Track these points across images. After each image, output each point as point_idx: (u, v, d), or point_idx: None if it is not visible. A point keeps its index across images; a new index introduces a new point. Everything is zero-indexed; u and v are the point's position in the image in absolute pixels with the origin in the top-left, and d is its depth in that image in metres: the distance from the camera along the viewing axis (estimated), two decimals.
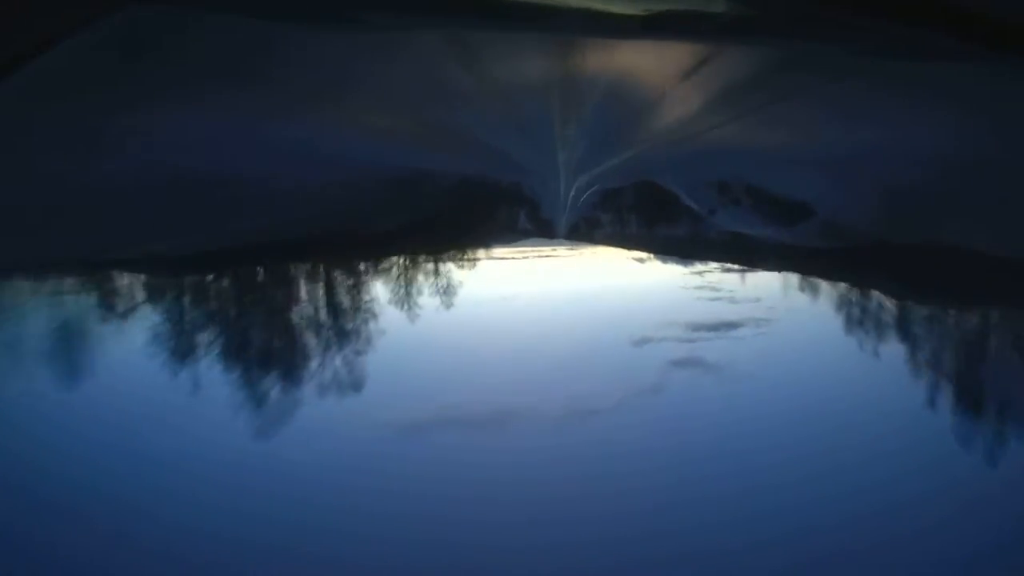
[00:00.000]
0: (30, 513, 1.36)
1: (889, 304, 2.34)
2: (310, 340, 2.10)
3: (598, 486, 1.54)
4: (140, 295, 2.18)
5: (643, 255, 3.13)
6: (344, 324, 2.23)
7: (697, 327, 2.24)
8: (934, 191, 2.62)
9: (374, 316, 2.23)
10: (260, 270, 2.40)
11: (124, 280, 2.19)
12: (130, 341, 1.97)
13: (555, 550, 1.37)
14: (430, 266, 2.65)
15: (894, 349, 2.11)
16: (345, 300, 2.34)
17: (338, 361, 1.96)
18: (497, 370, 2.02)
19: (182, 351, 1.91)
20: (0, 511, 1.34)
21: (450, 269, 2.66)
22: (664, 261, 3.16)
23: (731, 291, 2.56)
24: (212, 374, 1.83)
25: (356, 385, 1.85)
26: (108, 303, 2.12)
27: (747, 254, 2.83)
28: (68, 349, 1.90)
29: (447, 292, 2.46)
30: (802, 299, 2.44)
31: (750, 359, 2.14)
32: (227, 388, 1.80)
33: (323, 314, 2.27)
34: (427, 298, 2.42)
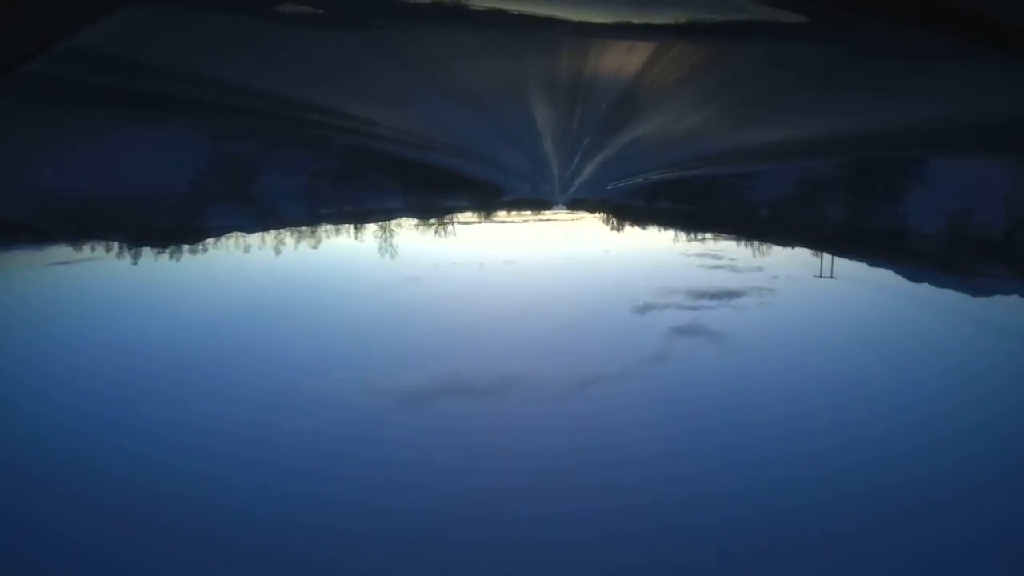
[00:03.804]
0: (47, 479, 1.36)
1: (889, 279, 2.33)
2: (311, 308, 2.09)
3: (602, 455, 1.53)
4: (158, 270, 2.19)
5: (643, 223, 3.11)
6: (344, 290, 2.23)
7: (699, 295, 2.22)
8: (930, 184, 2.61)
9: (374, 283, 2.23)
10: (269, 241, 2.40)
11: (137, 257, 2.20)
12: (137, 314, 1.97)
13: (558, 518, 1.37)
14: (431, 232, 2.64)
15: (894, 323, 2.10)
16: (345, 268, 2.34)
17: (339, 328, 1.95)
18: (499, 336, 2.01)
19: (182, 322, 1.90)
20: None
21: (451, 233, 2.65)
22: (664, 228, 3.15)
23: (732, 259, 2.55)
24: (215, 345, 1.82)
25: (357, 352, 1.84)
26: (116, 277, 2.13)
27: (748, 227, 2.82)
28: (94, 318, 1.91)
29: (448, 256, 2.46)
30: (803, 269, 2.43)
31: (752, 328, 2.13)
32: (231, 359, 1.79)
33: (325, 282, 2.26)
34: (428, 262, 2.41)
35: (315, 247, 2.44)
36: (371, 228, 2.58)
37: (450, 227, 2.71)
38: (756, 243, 2.73)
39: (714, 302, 2.21)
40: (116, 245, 2.23)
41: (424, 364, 1.81)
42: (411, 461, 1.47)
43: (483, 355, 1.89)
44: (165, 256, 2.21)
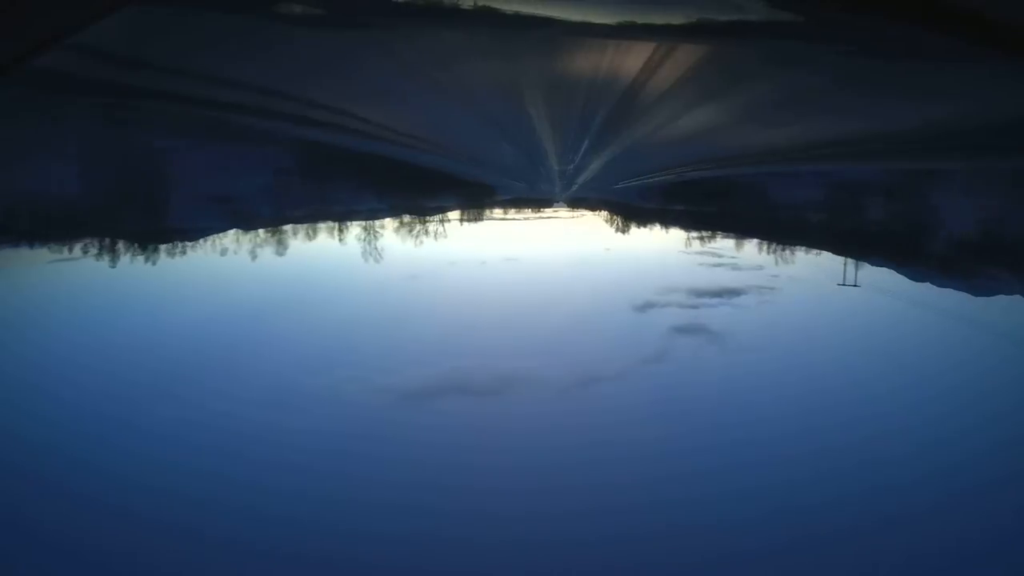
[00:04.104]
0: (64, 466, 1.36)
1: (890, 279, 2.33)
2: (313, 306, 2.09)
3: (602, 453, 1.53)
4: (161, 267, 2.19)
5: (643, 221, 3.10)
6: (346, 289, 2.22)
7: (700, 293, 2.22)
8: (930, 184, 2.61)
9: (375, 281, 2.22)
10: (270, 239, 2.40)
11: (141, 255, 2.20)
12: (140, 312, 1.97)
13: (559, 516, 1.37)
14: (432, 230, 2.64)
15: (895, 323, 2.09)
16: (347, 267, 2.33)
17: (341, 327, 1.95)
18: (500, 335, 2.01)
19: (185, 320, 1.90)
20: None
21: (453, 231, 2.65)
22: (664, 227, 3.14)
23: (733, 258, 2.55)
24: (218, 343, 1.82)
25: (359, 350, 1.84)
26: (119, 274, 2.12)
27: (748, 226, 2.81)
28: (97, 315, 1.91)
29: (448, 254, 2.45)
30: (803, 268, 2.43)
31: (753, 327, 2.13)
32: (234, 357, 1.79)
33: (327, 280, 2.26)
34: (430, 261, 2.41)
35: (317, 246, 2.44)
36: (373, 227, 2.59)
37: (451, 226, 2.71)
38: (756, 242, 2.73)
39: (714, 300, 2.20)
40: (119, 244, 2.23)
41: (425, 362, 1.81)
42: (412, 458, 1.46)
43: (484, 353, 1.89)
44: (168, 254, 2.21)
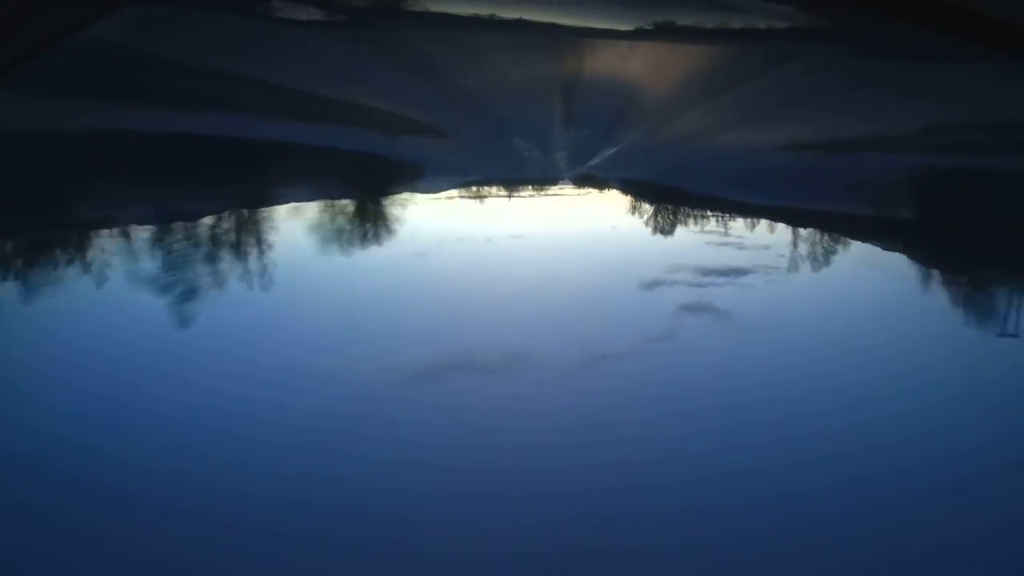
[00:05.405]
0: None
1: (897, 263, 2.34)
2: (315, 284, 2.08)
3: (611, 433, 1.52)
4: (162, 250, 2.19)
5: (649, 199, 3.11)
6: (349, 266, 2.22)
7: (707, 272, 2.22)
8: (932, 183, 2.64)
9: (380, 259, 2.21)
10: (273, 218, 2.40)
11: (141, 238, 2.21)
12: (142, 292, 1.96)
13: (563, 499, 1.37)
14: (437, 207, 2.64)
15: (902, 305, 2.09)
16: (350, 244, 2.33)
17: (345, 305, 1.94)
18: (505, 313, 2.00)
19: (181, 298, 1.89)
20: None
21: (458, 209, 2.64)
22: (671, 206, 3.14)
23: (740, 237, 2.55)
24: (212, 321, 1.81)
25: (363, 329, 1.83)
26: (113, 260, 2.12)
27: (754, 212, 2.83)
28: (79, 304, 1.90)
29: (455, 232, 2.45)
30: (810, 249, 2.42)
31: (761, 306, 2.13)
32: (228, 335, 1.78)
33: (330, 257, 2.25)
34: (435, 238, 2.40)
35: (320, 224, 2.43)
36: (376, 204, 2.58)
37: (458, 205, 2.71)
38: (761, 223, 2.73)
39: (721, 279, 2.20)
40: (120, 231, 2.23)
41: (432, 339, 1.80)
42: (419, 439, 1.46)
43: (491, 331, 1.88)
44: (169, 235, 2.20)
